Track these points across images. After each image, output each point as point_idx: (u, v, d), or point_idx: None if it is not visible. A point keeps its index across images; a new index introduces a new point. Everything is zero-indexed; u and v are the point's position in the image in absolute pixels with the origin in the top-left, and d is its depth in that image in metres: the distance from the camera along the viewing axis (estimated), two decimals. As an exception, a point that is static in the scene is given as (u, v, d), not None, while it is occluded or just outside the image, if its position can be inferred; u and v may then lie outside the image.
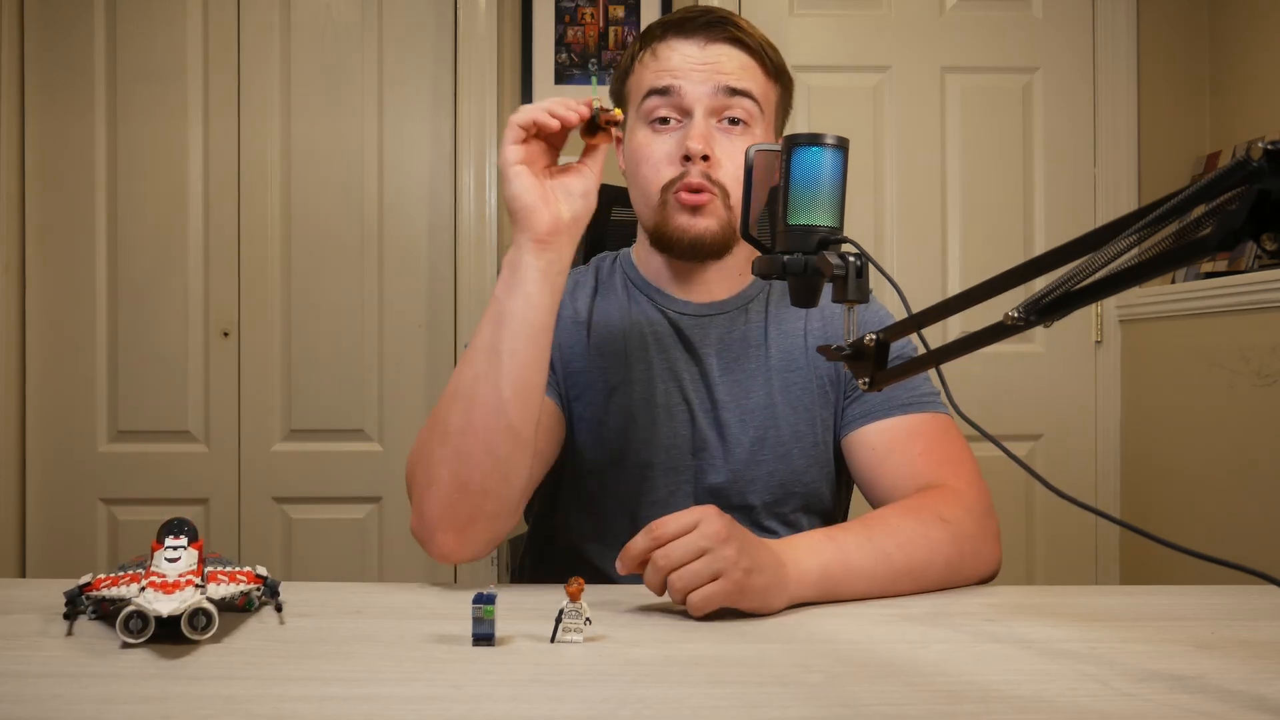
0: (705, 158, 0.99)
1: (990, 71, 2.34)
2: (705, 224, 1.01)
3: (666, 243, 1.04)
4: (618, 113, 0.89)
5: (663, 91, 1.02)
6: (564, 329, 1.08)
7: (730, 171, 1.01)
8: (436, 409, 0.91)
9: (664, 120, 1.03)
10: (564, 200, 0.90)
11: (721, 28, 1.03)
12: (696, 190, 1.00)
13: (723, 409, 1.05)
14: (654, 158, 1.03)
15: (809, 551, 0.85)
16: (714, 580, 0.77)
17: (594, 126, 0.90)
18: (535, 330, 0.89)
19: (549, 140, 0.90)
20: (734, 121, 1.02)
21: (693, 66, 1.01)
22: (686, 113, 1.02)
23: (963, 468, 1.00)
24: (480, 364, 0.89)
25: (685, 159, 1.00)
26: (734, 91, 1.01)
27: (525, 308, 0.88)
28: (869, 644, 0.73)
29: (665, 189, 1.02)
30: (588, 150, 0.92)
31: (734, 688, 0.63)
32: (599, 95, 0.90)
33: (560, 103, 0.88)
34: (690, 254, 1.04)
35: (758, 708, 0.59)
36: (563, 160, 0.93)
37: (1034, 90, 2.34)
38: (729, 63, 1.02)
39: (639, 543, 0.79)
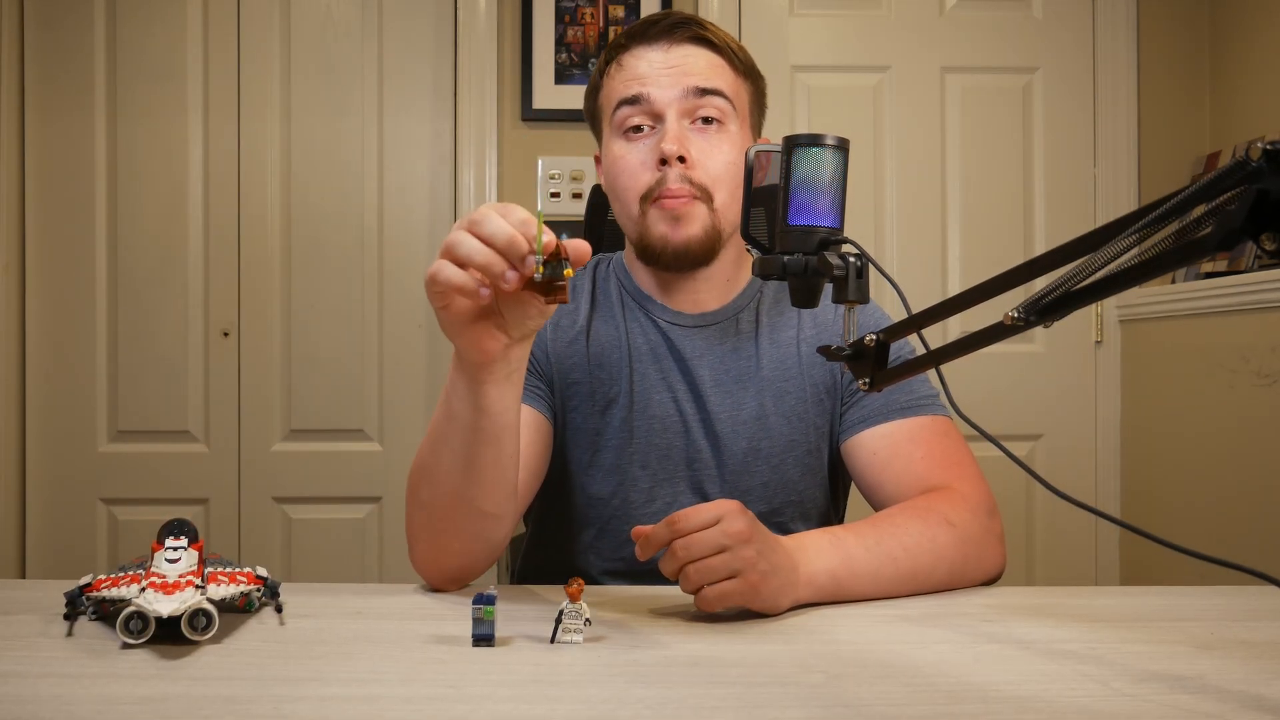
0: (681, 159, 0.98)
1: (990, 71, 2.34)
2: (688, 232, 1.00)
3: (650, 254, 1.02)
4: (569, 273, 0.70)
5: (632, 100, 1.01)
6: (562, 340, 1.07)
7: (711, 171, 1.00)
8: (412, 471, 0.89)
9: (637, 129, 1.01)
10: (512, 325, 0.77)
11: (685, 28, 1.02)
12: (675, 196, 0.99)
13: (716, 421, 1.05)
14: (630, 167, 1.01)
15: (819, 554, 0.85)
16: (730, 578, 0.77)
17: (548, 284, 0.70)
18: (496, 433, 0.82)
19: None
20: (707, 121, 1.01)
21: (659, 71, 1.00)
22: (658, 118, 1.00)
23: (965, 470, 0.99)
24: (441, 456, 0.84)
25: (662, 163, 0.99)
26: (704, 91, 1.00)
27: (480, 419, 0.81)
28: (869, 644, 0.73)
29: (644, 199, 1.00)
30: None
31: (734, 688, 0.63)
32: (543, 245, 0.68)
33: (505, 248, 0.69)
34: (675, 264, 1.02)
35: (758, 708, 0.59)
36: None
37: (1034, 90, 2.34)
38: (696, 63, 1.01)
39: (660, 533, 0.79)
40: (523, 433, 0.99)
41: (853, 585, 0.85)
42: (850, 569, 0.85)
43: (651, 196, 1.00)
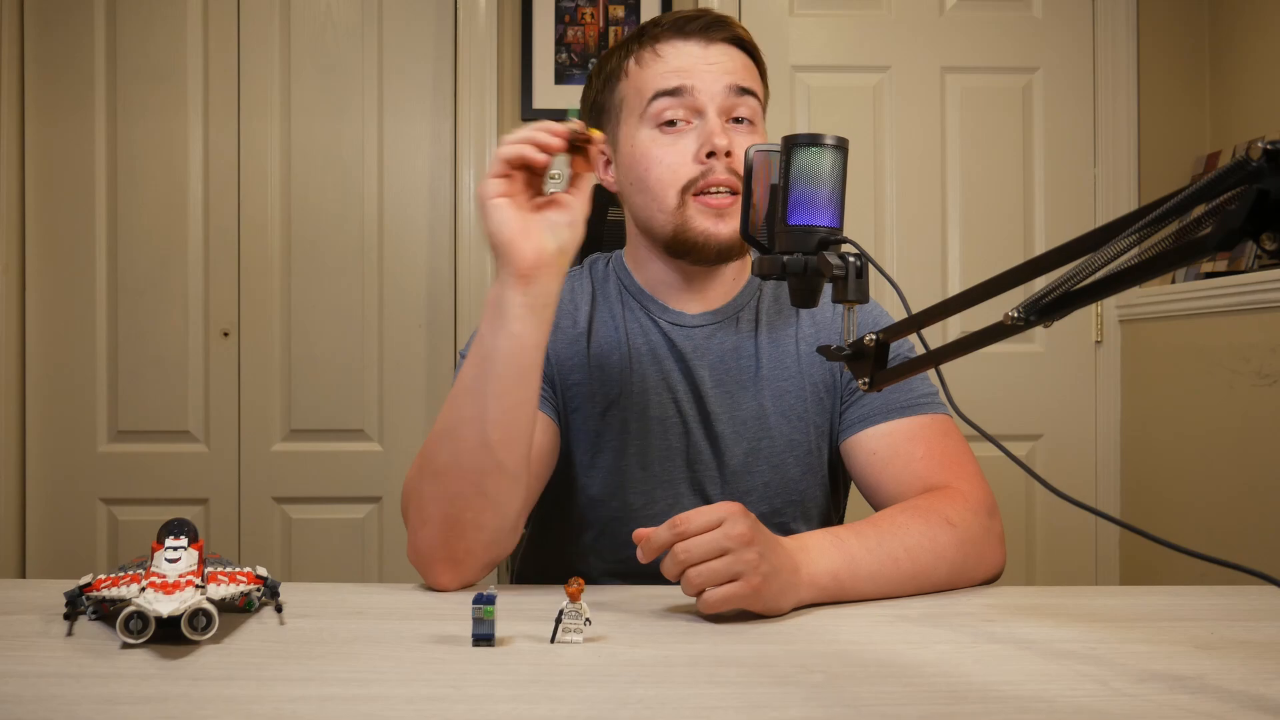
0: (728, 154, 0.99)
1: (990, 71, 2.34)
2: (730, 227, 1.00)
3: (687, 248, 1.01)
4: (595, 133, 0.86)
5: (673, 92, 1.00)
6: (563, 341, 1.07)
7: None
8: (426, 444, 0.90)
9: (671, 123, 1.00)
10: (549, 232, 0.86)
11: (722, 27, 1.02)
12: (721, 191, 0.99)
13: (716, 421, 1.04)
14: (668, 159, 1.00)
15: (821, 554, 0.84)
16: (732, 581, 0.76)
17: (573, 149, 0.86)
18: (522, 370, 0.86)
19: (532, 170, 0.87)
20: (738, 120, 1.01)
21: (700, 66, 1.00)
22: (698, 112, 1.00)
23: (965, 469, 0.99)
24: (466, 405, 0.86)
25: (709, 155, 0.99)
26: (743, 90, 1.01)
27: (511, 348, 0.85)
28: (869, 644, 0.73)
29: (685, 190, 1.00)
30: (574, 178, 0.88)
31: (734, 688, 0.63)
32: (574, 119, 0.86)
33: (542, 128, 0.85)
34: (715, 259, 1.02)
35: (758, 708, 0.59)
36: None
37: (1034, 90, 2.34)
38: (731, 62, 1.02)
39: (662, 535, 0.78)
40: None
41: (855, 586, 0.85)
42: (852, 569, 0.85)
43: (694, 189, 1.00)
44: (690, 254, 1.02)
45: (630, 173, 1.04)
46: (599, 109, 1.08)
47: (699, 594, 0.77)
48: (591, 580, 1.04)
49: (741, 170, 0.98)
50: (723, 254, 1.02)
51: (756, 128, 1.03)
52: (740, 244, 1.02)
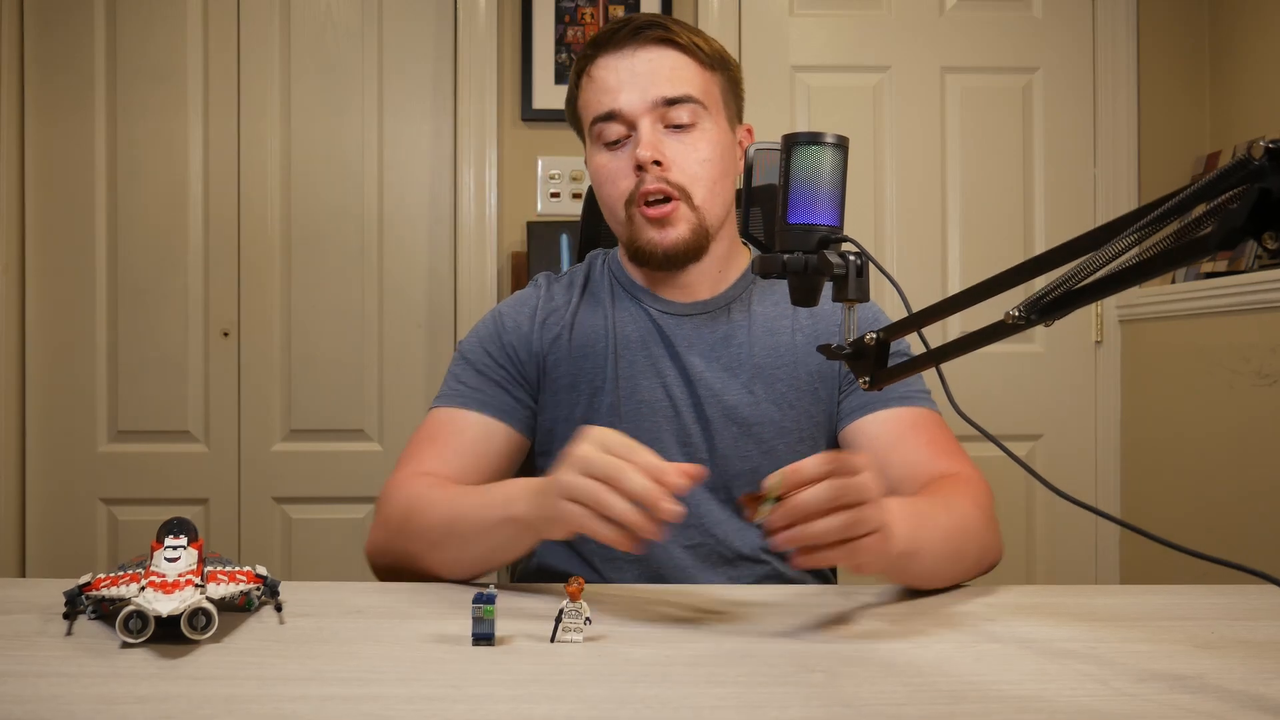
0: (657, 163, 1.01)
1: (990, 71, 2.34)
2: (675, 235, 1.03)
3: (641, 257, 1.06)
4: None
5: (606, 116, 1.03)
6: (549, 336, 1.10)
7: (689, 171, 1.02)
8: (419, 515, 0.94)
9: (616, 141, 1.04)
10: None
11: (649, 30, 1.03)
12: (657, 199, 1.01)
13: (706, 405, 1.06)
14: (611, 175, 1.05)
15: (897, 519, 0.79)
16: (869, 535, 0.73)
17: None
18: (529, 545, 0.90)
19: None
20: (679, 126, 1.03)
21: (625, 81, 1.02)
22: (633, 126, 1.03)
23: (965, 460, 1.02)
24: (468, 548, 0.90)
25: (639, 169, 1.01)
26: (671, 100, 1.02)
27: (528, 545, 0.89)
28: (869, 644, 0.73)
29: (628, 204, 1.04)
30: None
31: (734, 688, 0.63)
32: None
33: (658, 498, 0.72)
34: (666, 265, 1.05)
35: (758, 708, 0.59)
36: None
37: (1034, 90, 2.34)
38: (661, 68, 1.02)
39: (812, 466, 0.73)
40: (488, 443, 1.05)
41: (919, 558, 0.83)
42: (916, 541, 0.82)
43: (635, 201, 1.03)
44: (646, 262, 1.06)
45: (594, 188, 1.10)
46: (573, 123, 1.13)
47: (810, 551, 0.73)
48: (591, 568, 1.05)
49: (678, 176, 1.02)
50: (672, 260, 1.04)
51: (700, 127, 1.03)
52: (696, 246, 1.04)
